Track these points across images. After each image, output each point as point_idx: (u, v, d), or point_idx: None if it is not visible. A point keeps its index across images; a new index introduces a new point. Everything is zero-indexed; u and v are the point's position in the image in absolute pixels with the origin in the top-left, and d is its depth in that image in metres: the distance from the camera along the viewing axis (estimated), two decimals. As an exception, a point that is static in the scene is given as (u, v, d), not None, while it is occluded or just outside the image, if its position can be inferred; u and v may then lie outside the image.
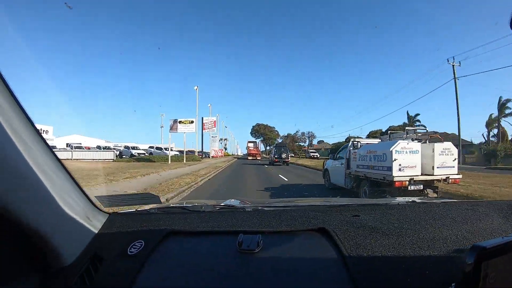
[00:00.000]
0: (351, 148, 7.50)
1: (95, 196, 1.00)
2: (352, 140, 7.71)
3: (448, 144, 6.12)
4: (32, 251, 0.70)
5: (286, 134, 76.80)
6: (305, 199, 1.95)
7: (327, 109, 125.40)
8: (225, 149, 78.71)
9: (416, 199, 1.51)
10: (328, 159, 9.60)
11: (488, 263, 0.54)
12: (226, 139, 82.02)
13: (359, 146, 7.25)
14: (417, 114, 49.74)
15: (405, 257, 0.75)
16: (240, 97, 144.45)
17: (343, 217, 0.97)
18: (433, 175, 5.86)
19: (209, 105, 43.47)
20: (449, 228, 0.91)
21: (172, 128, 28.39)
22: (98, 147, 35.31)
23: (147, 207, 1.22)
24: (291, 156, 49.37)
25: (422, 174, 5.84)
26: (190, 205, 1.27)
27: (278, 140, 76.95)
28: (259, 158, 41.62)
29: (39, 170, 0.64)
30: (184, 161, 25.43)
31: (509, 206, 1.11)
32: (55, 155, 0.72)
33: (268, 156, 39.12)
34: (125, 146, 37.43)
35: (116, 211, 1.06)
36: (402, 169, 5.64)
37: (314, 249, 0.81)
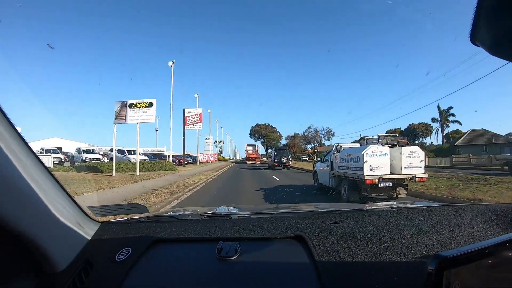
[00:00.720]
0: (334, 152, 8.52)
1: (87, 207, 1.09)
2: (335, 145, 8.75)
3: (415, 148, 7.13)
4: (27, 256, 0.75)
5: (292, 134, 65.96)
6: (293, 205, 2.14)
7: (338, 108, 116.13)
8: (221, 152, 70.01)
9: (402, 204, 1.59)
10: (317, 162, 10.63)
11: (451, 272, 0.55)
12: (221, 141, 73.41)
13: (341, 150, 8.27)
14: (450, 108, 46.46)
15: (376, 263, 0.80)
16: (239, 98, 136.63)
17: (323, 225, 1.03)
18: (401, 174, 6.85)
19: (196, 95, 34.76)
20: (427, 234, 0.95)
21: (119, 116, 16.83)
22: (41, 150, 25.54)
23: (137, 216, 1.29)
24: (305, 161, 44.62)
25: (391, 173, 6.83)
26: (179, 213, 1.36)
27: (282, 142, 68.92)
28: (259, 162, 39.31)
29: (30, 179, 0.68)
30: (137, 172, 16.28)
31: (493, 211, 1.14)
32: (44, 166, 0.76)
33: (267, 160, 35.02)
34: (76, 148, 28.37)
35: (108, 220, 1.14)
36: (372, 169, 6.65)
37: (290, 256, 0.87)
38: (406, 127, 54.75)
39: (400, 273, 0.76)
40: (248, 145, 45.23)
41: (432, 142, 52.36)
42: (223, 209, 1.57)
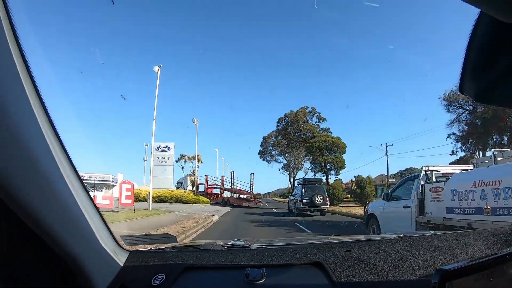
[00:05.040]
0: (422, 182, 4.92)
1: (120, 236, 1.13)
2: (424, 169, 5.16)
3: None
4: (71, 280, 0.80)
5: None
6: (305, 237, 2.20)
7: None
8: (192, 185, 29.46)
9: (408, 233, 1.56)
10: (374, 199, 6.91)
11: (452, 283, 0.65)
12: (197, 157, 30.29)
13: (441, 178, 4.69)
14: None
15: (387, 282, 0.89)
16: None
17: (337, 252, 1.09)
18: None
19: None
20: (432, 257, 1.01)
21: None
22: None
23: (162, 246, 1.34)
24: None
25: None
26: (201, 244, 1.40)
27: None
28: (261, 202, 26.42)
29: (84, 209, 0.77)
30: None
31: (493, 234, 1.19)
32: (90, 195, 0.83)
33: (290, 201, 18.77)
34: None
35: (135, 249, 1.16)
36: None
37: (311, 279, 0.97)
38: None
39: None
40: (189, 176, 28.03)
41: None
42: (240, 242, 1.52)
